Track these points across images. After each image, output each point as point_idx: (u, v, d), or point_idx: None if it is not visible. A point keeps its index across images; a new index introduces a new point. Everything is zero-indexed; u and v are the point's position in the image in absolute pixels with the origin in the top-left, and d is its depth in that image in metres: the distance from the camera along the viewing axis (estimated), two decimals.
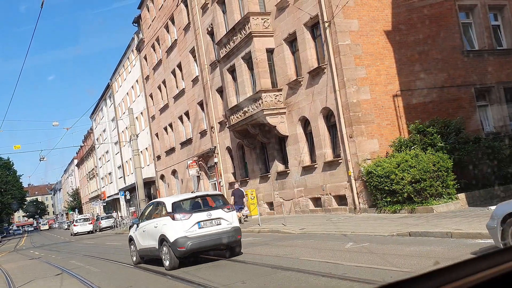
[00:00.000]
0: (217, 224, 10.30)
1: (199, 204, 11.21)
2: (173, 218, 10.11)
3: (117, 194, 52.54)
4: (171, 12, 31.89)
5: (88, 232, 43.12)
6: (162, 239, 10.30)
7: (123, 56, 47.00)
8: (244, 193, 20.90)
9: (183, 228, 9.97)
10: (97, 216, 53.11)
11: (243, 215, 20.67)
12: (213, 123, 26.64)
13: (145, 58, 39.57)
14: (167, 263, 10.21)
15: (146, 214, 12.04)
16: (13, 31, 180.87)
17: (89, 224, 44.43)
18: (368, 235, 11.07)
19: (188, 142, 31.28)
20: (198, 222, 10.10)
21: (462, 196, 13.78)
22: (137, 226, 12.10)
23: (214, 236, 10.17)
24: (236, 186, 21.85)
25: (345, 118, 15.99)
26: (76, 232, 43.23)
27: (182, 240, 9.87)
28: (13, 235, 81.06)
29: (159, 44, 35.66)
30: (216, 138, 26.49)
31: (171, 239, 9.93)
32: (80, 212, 78.73)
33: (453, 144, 14.61)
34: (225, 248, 10.86)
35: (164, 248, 10.26)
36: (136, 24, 40.86)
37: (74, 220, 50.15)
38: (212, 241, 10.18)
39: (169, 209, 10.37)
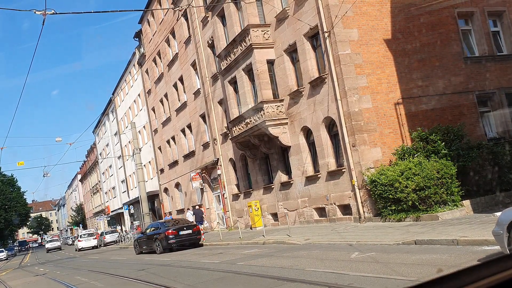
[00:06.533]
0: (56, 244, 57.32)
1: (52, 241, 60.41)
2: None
3: (121, 208, 52.48)
4: (172, 26, 32.12)
5: (93, 247, 42.98)
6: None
7: (125, 71, 47.28)
8: (203, 212, 26.46)
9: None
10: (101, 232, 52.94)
11: (203, 228, 25.44)
12: (216, 135, 26.67)
13: (147, 72, 39.77)
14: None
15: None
16: (15, 49, 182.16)
17: (93, 239, 44.32)
18: (373, 244, 11.00)
19: (191, 154, 31.29)
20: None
21: (467, 202, 13.70)
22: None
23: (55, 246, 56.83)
24: (197, 207, 26.87)
25: (347, 127, 15.98)
26: (80, 247, 43.13)
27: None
28: None
29: (160, 58, 35.87)
30: (219, 150, 26.50)
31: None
32: (85, 227, 78.61)
33: (456, 151, 14.57)
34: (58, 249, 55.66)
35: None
36: (137, 39, 41.15)
37: (78, 235, 50.05)
38: (54, 248, 56.44)
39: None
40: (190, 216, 25.77)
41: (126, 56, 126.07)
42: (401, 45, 16.84)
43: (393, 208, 14.14)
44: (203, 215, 26.25)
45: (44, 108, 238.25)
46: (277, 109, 19.59)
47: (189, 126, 31.40)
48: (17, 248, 75.55)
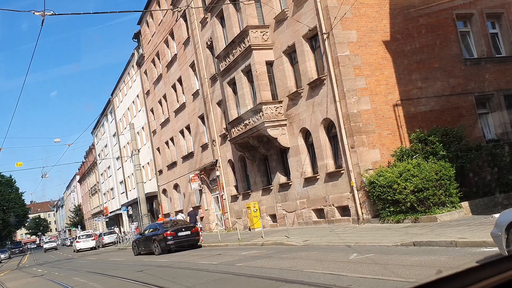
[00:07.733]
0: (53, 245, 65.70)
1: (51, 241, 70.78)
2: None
3: (119, 209, 52.43)
4: (171, 27, 32.12)
5: (91, 248, 42.94)
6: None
7: (124, 72, 47.26)
8: (196, 213, 27.33)
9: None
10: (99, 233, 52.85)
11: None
12: (214, 136, 26.66)
13: (146, 73, 39.77)
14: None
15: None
16: (14, 50, 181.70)
17: (92, 240, 44.29)
18: (372, 245, 11.00)
19: (189, 156, 31.28)
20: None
21: (465, 204, 13.71)
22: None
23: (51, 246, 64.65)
24: (191, 209, 28.10)
25: (346, 128, 15.99)
26: (79, 248, 43.09)
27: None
28: None
29: (159, 59, 35.86)
30: (218, 151, 26.49)
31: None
32: (83, 228, 78.52)
33: (455, 152, 14.58)
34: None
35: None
36: (136, 40, 41.15)
37: (77, 236, 49.99)
38: (51, 248, 63.44)
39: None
40: (181, 218, 26.07)
41: (125, 57, 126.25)
42: (400, 46, 16.86)
43: (392, 209, 14.14)
44: (197, 217, 26.52)
45: (43, 109, 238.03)
46: (276, 110, 19.59)
47: (187, 127, 31.38)
48: (11, 250, 71.55)
